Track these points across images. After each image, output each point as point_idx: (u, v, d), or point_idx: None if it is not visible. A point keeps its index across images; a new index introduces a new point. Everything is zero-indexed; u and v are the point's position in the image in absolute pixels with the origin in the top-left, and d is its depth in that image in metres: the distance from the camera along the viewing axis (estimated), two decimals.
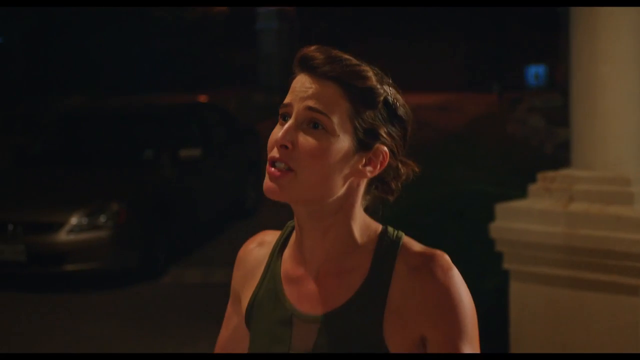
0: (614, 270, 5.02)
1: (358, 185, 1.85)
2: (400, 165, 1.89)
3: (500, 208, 5.40)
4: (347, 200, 1.84)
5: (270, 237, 2.03)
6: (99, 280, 8.94)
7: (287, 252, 1.95)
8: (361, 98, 1.79)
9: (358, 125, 1.79)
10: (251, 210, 12.14)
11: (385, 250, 1.85)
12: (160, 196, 9.61)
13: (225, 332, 2.08)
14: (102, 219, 8.83)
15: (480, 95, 31.06)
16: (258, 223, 11.83)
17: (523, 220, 5.26)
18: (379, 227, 1.90)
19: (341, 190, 1.82)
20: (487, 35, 34.68)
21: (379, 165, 1.83)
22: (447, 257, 1.82)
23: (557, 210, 5.22)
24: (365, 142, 1.80)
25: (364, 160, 1.82)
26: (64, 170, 9.85)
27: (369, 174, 1.83)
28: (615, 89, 5.24)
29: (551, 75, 30.97)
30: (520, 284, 5.34)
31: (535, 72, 31.53)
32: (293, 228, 1.97)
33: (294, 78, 1.85)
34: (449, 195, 10.58)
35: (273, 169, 1.79)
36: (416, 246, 1.86)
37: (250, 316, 1.95)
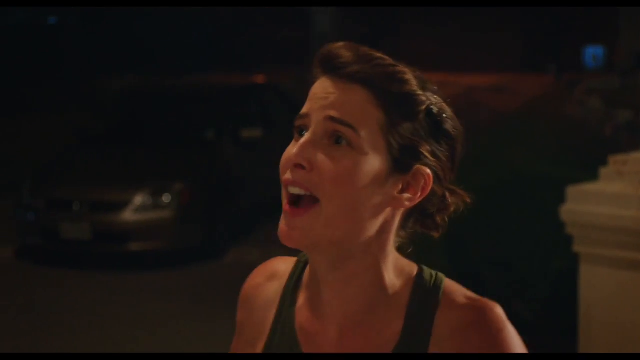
0: None
1: (392, 218, 1.49)
2: (447, 194, 1.52)
3: (572, 191, 5.38)
4: (379, 238, 1.48)
5: (282, 266, 1.68)
6: (162, 259, 9.03)
7: (302, 298, 1.58)
8: (397, 106, 1.44)
9: (393, 141, 1.44)
10: None
11: (421, 303, 1.48)
12: (222, 176, 9.68)
13: None
14: (166, 198, 8.91)
15: (536, 76, 30.76)
16: None
17: (594, 203, 5.24)
18: (414, 269, 1.52)
19: (372, 226, 1.46)
20: (544, 15, 34.33)
21: (419, 192, 1.46)
22: (498, 311, 1.46)
23: (629, 193, 5.19)
24: (402, 162, 1.45)
25: (400, 186, 1.46)
26: (127, 149, 9.94)
27: (407, 203, 1.47)
28: None
29: (609, 57, 30.58)
30: (590, 266, 5.32)
31: (593, 53, 31.14)
32: (307, 261, 1.59)
33: (314, 83, 1.50)
34: (510, 178, 10.51)
35: (290, 206, 1.47)
36: (460, 296, 1.48)
37: None
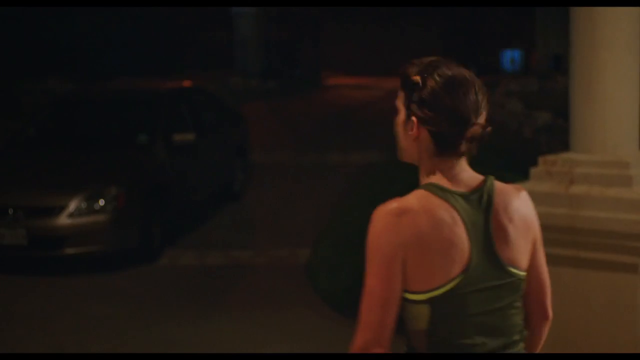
0: (614, 250, 5.25)
1: (418, 144, 2.55)
2: (441, 123, 2.55)
3: None
4: (421, 156, 2.57)
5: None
6: (98, 262, 9.09)
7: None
8: (406, 86, 2.57)
9: (407, 105, 2.55)
10: (239, 193, 12.29)
11: None
12: (156, 180, 9.76)
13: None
14: (101, 202, 8.96)
15: None
16: (245, 206, 12.00)
17: None
18: (424, 182, 2.60)
19: (413, 149, 2.57)
20: (462, 19, 34.87)
21: (414, 130, 2.53)
22: (379, 209, 2.47)
23: (559, 192, 5.44)
24: (408, 116, 2.55)
25: (409, 126, 2.55)
26: (61, 154, 9.96)
27: (413, 135, 2.54)
28: (614, 75, 5.47)
29: (527, 60, 31.23)
30: None
31: (511, 56, 31.78)
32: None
33: None
34: None
35: None
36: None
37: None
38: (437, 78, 2.50)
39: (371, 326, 2.36)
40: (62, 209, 8.84)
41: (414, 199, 2.47)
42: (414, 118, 2.52)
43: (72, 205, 8.86)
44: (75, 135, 10.64)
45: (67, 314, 7.82)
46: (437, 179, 2.52)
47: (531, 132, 17.04)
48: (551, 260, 5.34)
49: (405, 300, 2.42)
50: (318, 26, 32.90)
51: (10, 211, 8.80)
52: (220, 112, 12.32)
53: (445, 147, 2.51)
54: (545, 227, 5.31)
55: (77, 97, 12.29)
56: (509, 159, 10.81)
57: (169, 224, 9.93)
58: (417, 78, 2.53)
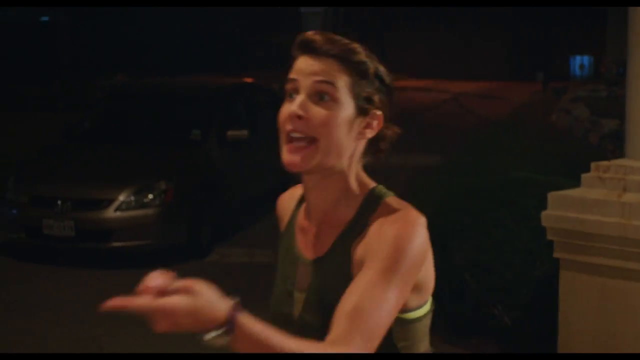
0: None
1: (357, 146, 2.10)
2: (385, 129, 2.15)
3: (553, 197, 5.38)
4: (350, 160, 2.09)
5: (299, 191, 2.28)
6: (145, 257, 9.02)
7: (303, 206, 2.22)
8: (357, 70, 2.06)
9: (357, 94, 2.05)
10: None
11: (368, 205, 2.08)
12: (207, 176, 9.68)
13: None
14: (150, 197, 8.91)
15: (524, 84, 30.85)
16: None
17: (576, 210, 5.23)
18: (371, 184, 2.15)
19: (348, 153, 2.07)
20: (533, 24, 34.41)
21: (376, 127, 2.10)
22: (418, 217, 2.01)
23: (611, 200, 5.19)
24: (364, 108, 2.07)
25: (364, 124, 2.08)
26: (112, 148, 9.95)
27: (368, 135, 2.10)
28: None
29: (596, 66, 30.70)
30: (570, 273, 5.32)
31: (580, 62, 31.28)
32: None
33: (294, 61, 2.09)
34: (496, 183, 10.49)
35: (292, 143, 2.03)
36: (395, 204, 2.07)
37: (277, 255, 2.28)
38: (383, 68, 2.13)
39: (373, 336, 1.94)
40: (110, 202, 8.81)
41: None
42: (378, 112, 2.09)
43: (121, 199, 8.83)
44: (129, 129, 10.62)
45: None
46: (374, 184, 2.16)
47: (597, 138, 16.68)
48: (599, 270, 5.16)
49: (400, 320, 2.07)
50: (386, 27, 32.72)
51: (59, 202, 8.79)
52: (277, 109, 12.19)
53: (384, 147, 2.16)
54: (594, 236, 5.12)
55: (131, 91, 12.27)
56: (572, 165, 10.54)
57: (219, 221, 9.84)
58: (375, 63, 2.11)
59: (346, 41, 2.07)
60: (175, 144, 9.95)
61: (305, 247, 2.16)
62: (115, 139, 10.28)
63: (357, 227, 2.06)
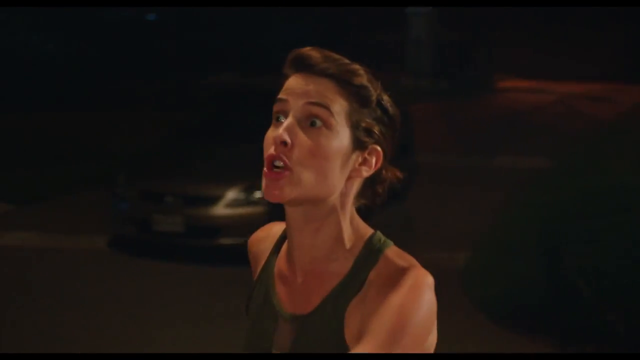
0: None
1: (352, 185, 1.79)
2: (383, 170, 1.83)
3: None
4: (342, 200, 1.78)
5: (276, 229, 2.00)
6: None
7: (283, 249, 1.91)
8: (357, 96, 1.75)
9: (355, 123, 1.75)
10: (400, 192, 12.12)
11: (366, 258, 1.77)
12: None
13: None
14: (259, 194, 8.96)
15: (636, 86, 30.11)
16: (406, 205, 11.84)
17: None
18: (368, 232, 1.81)
19: (337, 190, 1.76)
20: None
21: (374, 166, 1.78)
22: (425, 278, 1.68)
23: None
24: (361, 141, 1.76)
25: (360, 160, 1.77)
26: (222, 145, 10.03)
27: (364, 173, 1.78)
28: None
29: None
30: None
31: None
32: None
33: (285, 80, 1.80)
34: (606, 189, 10.30)
35: (271, 171, 1.73)
36: (398, 259, 1.74)
37: (247, 306, 1.95)
38: (387, 97, 1.81)
39: None
40: (219, 198, 8.90)
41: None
42: (378, 148, 1.78)
43: (230, 196, 8.91)
44: (237, 127, 10.70)
45: (214, 304, 7.81)
46: (371, 231, 1.83)
47: None
48: None
49: None
50: (493, 27, 32.39)
51: (169, 198, 8.91)
52: None
53: (381, 190, 1.85)
54: None
55: (241, 90, 12.38)
56: None
57: None
58: (378, 90, 1.79)
59: (347, 61, 1.78)
60: None
61: (288, 300, 1.83)
62: (225, 136, 10.36)
63: (353, 285, 1.75)
